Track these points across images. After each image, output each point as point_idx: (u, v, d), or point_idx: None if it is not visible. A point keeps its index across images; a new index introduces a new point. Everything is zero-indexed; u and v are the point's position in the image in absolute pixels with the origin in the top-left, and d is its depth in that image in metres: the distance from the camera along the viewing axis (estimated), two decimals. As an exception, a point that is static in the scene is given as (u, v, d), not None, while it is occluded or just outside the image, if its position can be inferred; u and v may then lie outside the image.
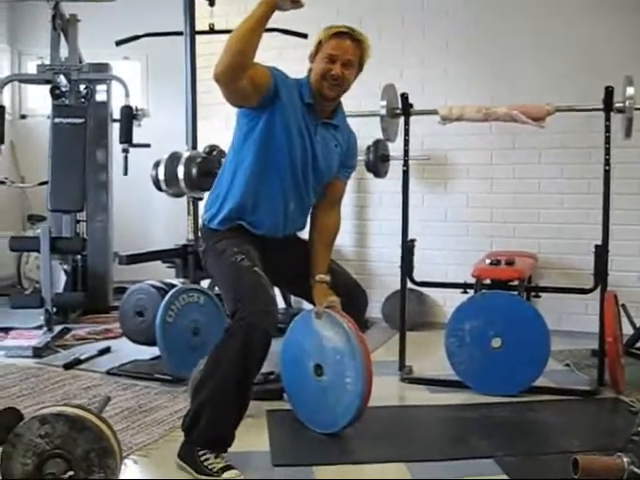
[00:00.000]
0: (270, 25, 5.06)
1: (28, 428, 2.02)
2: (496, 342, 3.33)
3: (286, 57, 5.24)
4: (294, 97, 2.67)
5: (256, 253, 2.65)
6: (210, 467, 2.43)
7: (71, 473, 1.99)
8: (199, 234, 2.87)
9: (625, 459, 1.95)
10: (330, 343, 2.73)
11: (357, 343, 2.66)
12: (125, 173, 4.76)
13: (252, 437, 2.78)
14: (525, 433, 2.89)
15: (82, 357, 3.93)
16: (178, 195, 4.39)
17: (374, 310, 5.06)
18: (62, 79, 4.86)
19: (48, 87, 4.84)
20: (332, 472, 2.51)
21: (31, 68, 6.01)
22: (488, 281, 3.71)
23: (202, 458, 2.44)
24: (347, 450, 2.71)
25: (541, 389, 3.37)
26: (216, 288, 3.98)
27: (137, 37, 4.90)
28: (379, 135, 3.98)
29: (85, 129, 4.77)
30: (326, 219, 2.91)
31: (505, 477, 2.43)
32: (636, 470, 1.93)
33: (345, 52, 2.66)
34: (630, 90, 3.30)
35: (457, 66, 4.83)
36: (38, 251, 4.45)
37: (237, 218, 2.71)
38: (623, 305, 3.82)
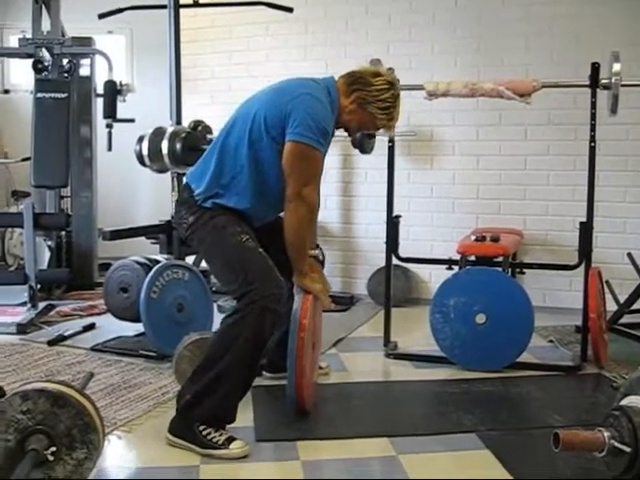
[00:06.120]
0: (256, -1, 4.99)
1: (10, 404, 2.01)
2: (480, 318, 3.34)
3: (273, 31, 5.21)
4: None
5: (252, 231, 2.65)
6: (215, 440, 2.43)
7: (53, 449, 1.99)
8: (181, 205, 2.76)
9: (606, 433, 1.96)
10: None
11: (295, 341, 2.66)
12: (109, 149, 4.70)
13: (237, 413, 2.78)
14: (508, 408, 2.91)
15: (66, 333, 3.92)
16: (162, 171, 4.35)
17: (359, 286, 5.08)
18: (45, 53, 4.78)
19: (31, 61, 4.77)
20: (316, 447, 2.52)
21: (13, 42, 5.91)
22: (473, 257, 3.72)
23: (204, 433, 2.45)
24: (331, 425, 2.72)
25: (525, 365, 3.39)
26: (203, 264, 3.91)
27: (121, 10, 4.83)
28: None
29: (68, 104, 4.71)
30: None
31: (487, 451, 2.45)
32: (616, 444, 1.94)
33: None
34: (616, 66, 3.29)
35: (444, 41, 4.80)
36: (22, 227, 4.41)
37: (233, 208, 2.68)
38: (607, 282, 3.83)
